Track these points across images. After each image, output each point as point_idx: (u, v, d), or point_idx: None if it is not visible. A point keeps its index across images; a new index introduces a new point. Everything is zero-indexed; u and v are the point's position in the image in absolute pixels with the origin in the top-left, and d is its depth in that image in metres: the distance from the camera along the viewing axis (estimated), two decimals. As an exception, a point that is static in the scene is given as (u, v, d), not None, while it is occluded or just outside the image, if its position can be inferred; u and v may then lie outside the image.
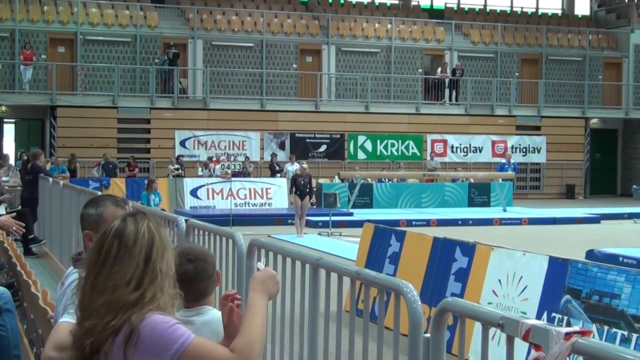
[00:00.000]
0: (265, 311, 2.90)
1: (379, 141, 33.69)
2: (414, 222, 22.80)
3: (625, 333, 6.80)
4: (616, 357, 2.34)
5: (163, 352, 2.62)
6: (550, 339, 2.44)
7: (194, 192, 26.68)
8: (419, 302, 3.37)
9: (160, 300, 2.68)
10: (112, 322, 2.62)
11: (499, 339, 6.69)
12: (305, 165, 21.69)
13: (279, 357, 4.89)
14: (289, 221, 21.93)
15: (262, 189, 27.45)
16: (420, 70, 35.73)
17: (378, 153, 33.67)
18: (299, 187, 20.71)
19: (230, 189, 26.83)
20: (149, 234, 2.75)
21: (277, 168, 30.25)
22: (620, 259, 13.26)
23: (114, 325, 2.61)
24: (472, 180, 29.74)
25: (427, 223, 23.02)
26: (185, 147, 31.16)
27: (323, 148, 33.04)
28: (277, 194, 27.31)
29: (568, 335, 2.42)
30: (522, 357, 3.06)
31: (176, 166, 28.70)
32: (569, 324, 7.16)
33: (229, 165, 29.84)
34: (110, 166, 27.88)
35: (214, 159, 29.53)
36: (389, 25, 35.66)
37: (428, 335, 3.19)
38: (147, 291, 2.67)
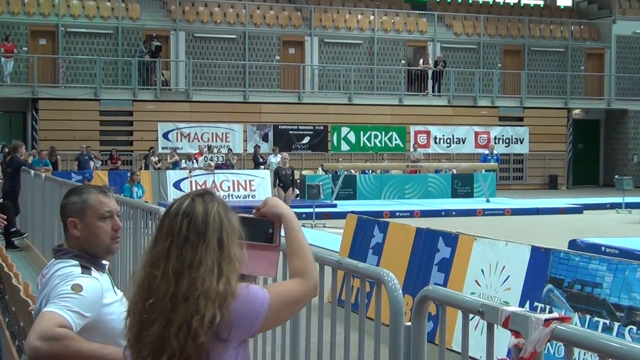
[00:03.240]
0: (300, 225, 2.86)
1: (362, 132, 33.70)
2: (397, 213, 22.81)
3: (607, 322, 6.83)
4: (594, 343, 2.35)
5: (257, 315, 2.60)
6: (530, 326, 2.45)
7: (177, 185, 26.62)
8: (400, 291, 3.36)
9: None
10: (210, 317, 2.50)
11: (482, 328, 6.71)
12: (286, 156, 21.65)
13: (261, 347, 4.88)
14: (273, 213, 21.85)
15: (245, 180, 27.42)
16: (403, 62, 35.75)
17: (361, 144, 33.69)
18: (282, 179, 20.67)
19: (213, 181, 26.79)
20: (218, 217, 2.62)
21: (261, 160, 30.22)
22: (603, 248, 13.30)
23: (216, 320, 2.51)
24: (455, 171, 29.79)
25: (411, 214, 23.04)
26: (168, 140, 31.08)
27: (306, 140, 33.03)
28: (260, 185, 27.28)
29: (547, 321, 2.42)
30: (504, 346, 3.06)
31: (157, 158, 28.60)
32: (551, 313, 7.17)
33: (211, 157, 29.78)
34: (86, 157, 27.61)
35: (178, 150, 29.44)
36: (372, 17, 35.65)
37: (409, 323, 3.18)
38: (231, 280, 2.57)
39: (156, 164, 28.25)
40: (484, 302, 2.72)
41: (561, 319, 2.44)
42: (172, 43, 32.82)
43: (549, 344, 2.47)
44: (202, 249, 2.56)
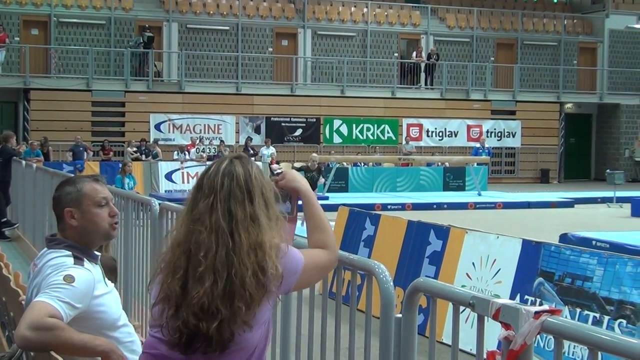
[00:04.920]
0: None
1: (354, 125, 33.68)
2: (389, 206, 22.81)
3: (597, 315, 6.85)
4: (584, 336, 2.36)
5: (295, 272, 2.78)
6: (520, 318, 2.45)
7: (168, 176, 26.60)
8: (391, 283, 3.37)
9: None
10: (276, 266, 2.66)
11: (472, 321, 6.72)
12: (316, 157, 21.12)
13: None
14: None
15: (237, 172, 27.37)
16: (396, 55, 35.73)
17: (354, 137, 33.68)
18: (308, 180, 20.44)
19: (205, 173, 26.74)
20: (259, 177, 2.76)
21: (252, 152, 30.19)
22: (594, 242, 13.32)
23: (279, 270, 2.68)
24: (447, 165, 29.82)
25: (403, 207, 23.04)
26: (160, 131, 31.02)
27: (299, 132, 33.00)
28: (252, 177, 27.23)
29: (537, 314, 2.43)
30: (495, 339, 3.07)
31: (134, 149, 28.51)
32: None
33: (203, 149, 29.75)
34: (81, 149, 27.57)
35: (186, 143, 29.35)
36: (365, 9, 35.61)
37: (399, 315, 3.19)
38: (281, 235, 2.73)
39: (132, 154, 28.11)
40: (474, 295, 2.73)
41: (551, 312, 2.45)
42: (165, 34, 32.73)
43: (538, 336, 2.48)
44: (254, 205, 2.69)
